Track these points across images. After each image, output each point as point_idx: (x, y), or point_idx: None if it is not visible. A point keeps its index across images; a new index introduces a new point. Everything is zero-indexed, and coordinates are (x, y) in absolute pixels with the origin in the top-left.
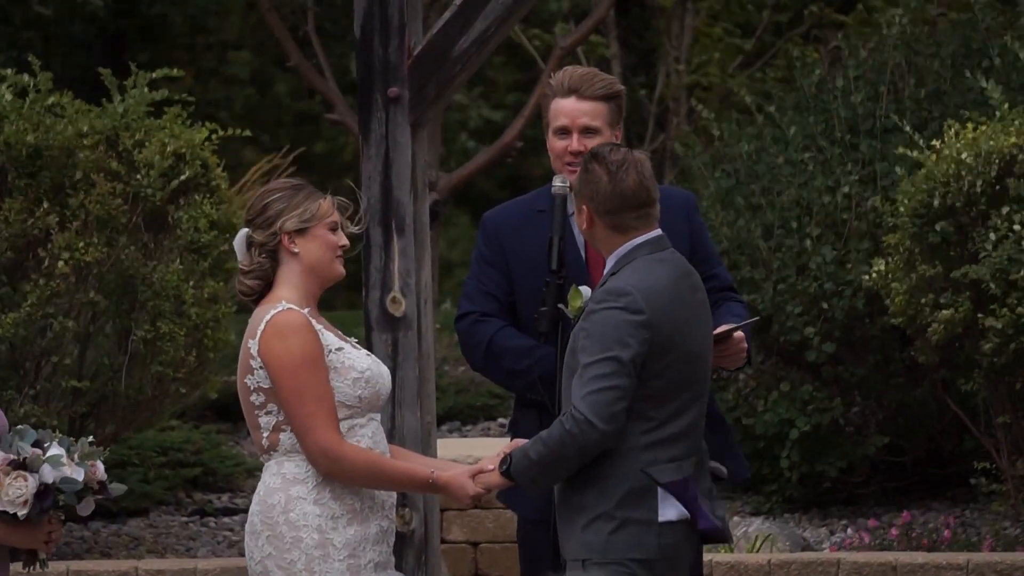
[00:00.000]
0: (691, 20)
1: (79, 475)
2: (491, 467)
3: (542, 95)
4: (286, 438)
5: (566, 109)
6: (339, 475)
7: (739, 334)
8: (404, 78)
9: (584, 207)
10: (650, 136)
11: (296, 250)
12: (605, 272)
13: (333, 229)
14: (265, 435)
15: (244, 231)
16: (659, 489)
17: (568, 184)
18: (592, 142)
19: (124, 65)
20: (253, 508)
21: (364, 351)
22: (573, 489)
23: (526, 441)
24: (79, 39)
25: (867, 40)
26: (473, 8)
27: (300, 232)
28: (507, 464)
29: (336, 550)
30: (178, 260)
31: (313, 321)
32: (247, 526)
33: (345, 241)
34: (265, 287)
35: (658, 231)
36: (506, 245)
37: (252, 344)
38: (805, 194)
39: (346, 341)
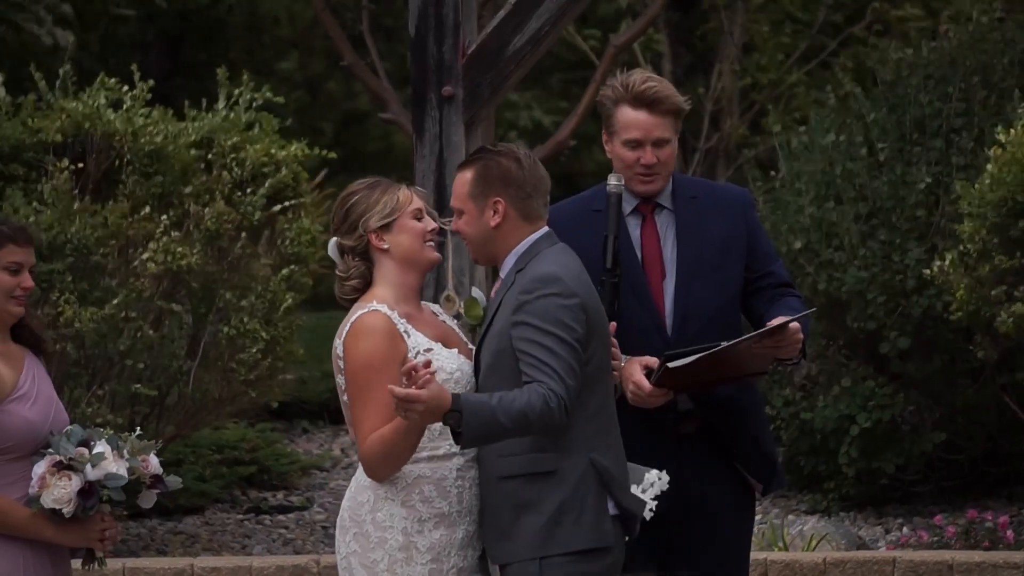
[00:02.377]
0: (744, 19)
1: (123, 471)
2: (408, 381)
3: (602, 98)
4: None
5: (640, 123)
6: (379, 471)
7: (794, 324)
8: (458, 77)
9: (497, 200)
10: (705, 135)
11: (386, 246)
12: (508, 270)
13: (418, 217)
14: None
15: (335, 239)
16: (603, 476)
17: (623, 182)
18: (664, 153)
19: (183, 66)
20: (344, 503)
21: (455, 351)
22: (520, 487)
23: (478, 396)
24: (136, 40)
25: (936, 36)
26: (527, 7)
27: (385, 227)
28: (458, 405)
29: (420, 553)
30: (281, 270)
31: (402, 322)
32: (338, 520)
33: (434, 225)
34: (365, 288)
35: (547, 227)
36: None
37: (338, 344)
38: (892, 188)
39: (444, 336)
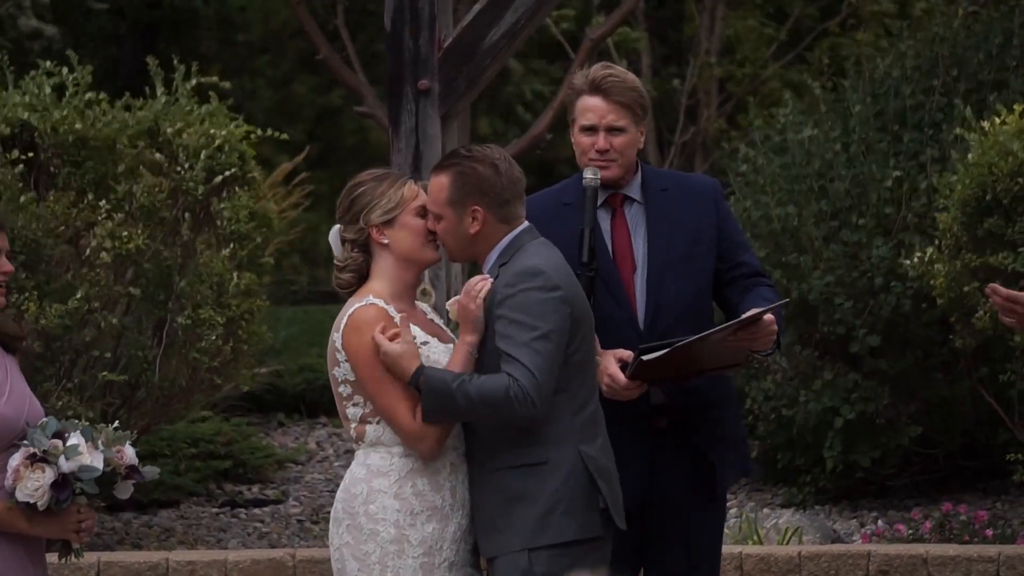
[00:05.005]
0: (723, 11)
1: (98, 463)
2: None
3: (567, 89)
4: (371, 430)
5: (593, 107)
6: (437, 445)
7: (769, 316)
8: (434, 70)
9: (476, 208)
10: (680, 128)
11: (386, 241)
12: (491, 264)
13: (422, 214)
14: (353, 426)
15: (336, 227)
16: (592, 468)
17: (599, 176)
18: (618, 140)
19: (155, 58)
20: (338, 495)
21: (450, 345)
22: (510, 479)
23: (444, 373)
24: (109, 32)
25: (914, 32)
26: (503, 1)
27: (387, 223)
28: (418, 377)
29: (411, 547)
30: (223, 250)
31: (397, 315)
32: (331, 512)
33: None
34: (361, 279)
35: (527, 222)
36: None
37: (336, 337)
38: (858, 185)
39: (437, 334)
